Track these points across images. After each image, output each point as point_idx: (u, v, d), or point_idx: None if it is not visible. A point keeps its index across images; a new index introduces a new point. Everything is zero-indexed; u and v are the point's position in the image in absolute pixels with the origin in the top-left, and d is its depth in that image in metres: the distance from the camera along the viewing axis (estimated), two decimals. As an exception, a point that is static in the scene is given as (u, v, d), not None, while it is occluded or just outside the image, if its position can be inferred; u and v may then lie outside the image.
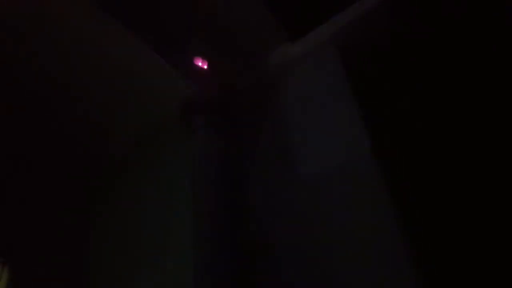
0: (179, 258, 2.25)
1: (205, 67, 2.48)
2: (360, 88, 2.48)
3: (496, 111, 2.06)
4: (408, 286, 1.79)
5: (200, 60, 2.48)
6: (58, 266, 2.67)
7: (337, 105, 2.46)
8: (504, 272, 1.70)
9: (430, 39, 2.44)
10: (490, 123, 2.02)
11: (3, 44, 2.34)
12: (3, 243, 2.53)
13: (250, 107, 2.72)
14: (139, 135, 2.77)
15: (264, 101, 2.70)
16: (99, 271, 2.57)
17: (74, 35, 2.22)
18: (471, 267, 1.77)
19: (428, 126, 2.19)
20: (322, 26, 2.77)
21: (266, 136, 2.59)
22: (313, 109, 2.52)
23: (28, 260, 2.59)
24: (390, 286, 1.82)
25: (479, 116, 2.04)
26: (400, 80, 2.46)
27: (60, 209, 2.84)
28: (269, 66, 2.76)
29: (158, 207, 2.48)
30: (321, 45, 2.71)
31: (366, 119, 2.31)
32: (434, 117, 2.23)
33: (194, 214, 2.27)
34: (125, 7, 2.34)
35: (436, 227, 1.91)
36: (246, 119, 2.71)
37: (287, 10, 2.75)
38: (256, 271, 2.22)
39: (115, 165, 2.89)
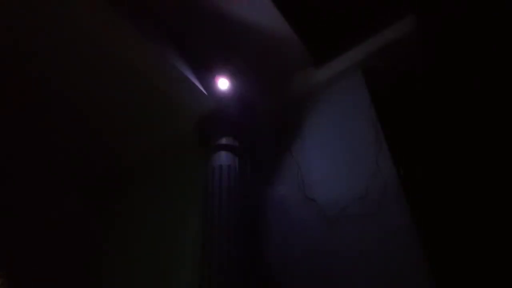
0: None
1: (227, 86, 2.45)
2: (386, 116, 2.41)
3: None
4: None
5: (223, 79, 2.45)
6: (63, 277, 2.62)
7: (362, 132, 2.38)
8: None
9: (457, 69, 2.38)
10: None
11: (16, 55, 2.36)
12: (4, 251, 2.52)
13: (270, 131, 2.67)
14: (154, 149, 2.74)
15: (285, 127, 2.65)
16: (103, 281, 2.50)
17: (92, 41, 2.21)
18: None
19: (457, 156, 2.10)
20: (348, 52, 2.72)
21: (286, 162, 2.53)
22: (337, 135, 2.45)
23: (27, 269, 2.56)
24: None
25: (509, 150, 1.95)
26: (427, 109, 2.39)
27: (67, 218, 2.81)
28: (293, 91, 2.72)
29: (165, 231, 2.43)
30: (346, 71, 2.66)
31: (392, 148, 2.23)
32: (462, 147, 2.14)
33: (203, 241, 2.18)
34: (151, 17, 2.35)
35: (465, 266, 1.80)
36: (265, 144, 2.66)
37: (313, 35, 2.72)
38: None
39: (127, 178, 2.85)
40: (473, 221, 1.91)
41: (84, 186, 2.92)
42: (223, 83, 2.46)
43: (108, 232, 2.72)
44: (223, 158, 2.33)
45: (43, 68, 2.41)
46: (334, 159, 2.40)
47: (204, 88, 2.39)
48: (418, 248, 1.84)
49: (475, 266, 1.80)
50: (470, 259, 1.82)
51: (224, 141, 2.38)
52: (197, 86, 2.34)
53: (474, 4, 2.29)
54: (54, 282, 2.57)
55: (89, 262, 2.65)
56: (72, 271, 2.64)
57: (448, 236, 1.92)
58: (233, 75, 2.46)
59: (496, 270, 1.74)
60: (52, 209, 2.82)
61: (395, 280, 1.85)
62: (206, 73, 2.47)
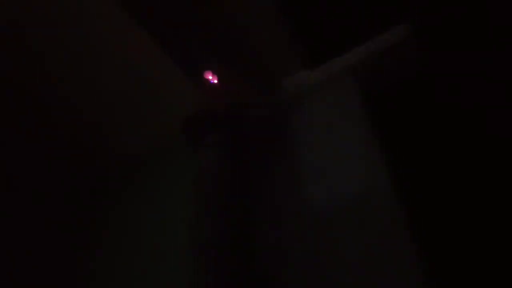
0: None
1: (216, 81, 2.37)
2: (379, 120, 2.38)
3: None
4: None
5: (211, 74, 2.37)
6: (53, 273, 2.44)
7: (354, 136, 2.34)
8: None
9: (450, 76, 2.39)
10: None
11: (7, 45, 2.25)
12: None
13: (261, 130, 2.59)
14: (142, 145, 2.60)
15: (277, 126, 2.58)
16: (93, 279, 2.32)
17: (82, 31, 2.12)
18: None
19: (450, 158, 2.07)
20: (342, 56, 2.71)
21: (277, 162, 2.45)
22: (329, 138, 2.40)
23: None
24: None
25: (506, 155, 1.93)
26: (421, 116, 2.38)
27: (56, 216, 2.63)
28: (284, 91, 2.67)
29: (155, 225, 2.28)
30: (340, 75, 2.64)
31: (384, 152, 2.20)
32: (456, 152, 2.12)
33: (192, 239, 2.07)
34: (143, 8, 2.27)
35: (459, 265, 1.75)
36: (256, 143, 2.57)
37: (308, 35, 2.70)
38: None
39: (115, 175, 2.70)
40: (468, 221, 1.86)
41: (65, 185, 2.74)
42: (214, 80, 2.39)
43: (92, 233, 2.54)
44: (213, 156, 2.23)
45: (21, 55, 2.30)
46: (327, 160, 2.33)
47: (194, 84, 2.32)
48: (413, 249, 1.78)
49: (470, 266, 1.75)
50: (467, 259, 1.77)
51: (214, 138, 2.28)
52: (186, 82, 2.27)
53: (469, 12, 2.31)
54: (43, 281, 2.39)
55: (74, 262, 2.46)
56: (61, 270, 2.45)
57: (444, 236, 1.87)
58: (224, 72, 2.40)
59: (490, 269, 1.69)
60: (37, 209, 2.65)
61: (392, 281, 1.77)
62: (196, 68, 2.40)
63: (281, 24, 2.41)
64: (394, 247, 1.86)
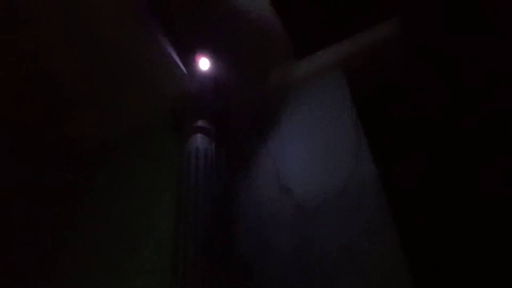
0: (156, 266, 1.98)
1: (208, 68, 2.32)
2: (366, 114, 2.40)
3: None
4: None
5: (202, 60, 2.31)
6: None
7: (340, 129, 2.35)
8: None
9: (439, 72, 2.43)
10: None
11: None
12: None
13: (248, 120, 2.56)
14: (126, 129, 2.50)
15: (263, 116, 2.55)
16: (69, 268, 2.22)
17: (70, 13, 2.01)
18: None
19: (436, 155, 2.12)
20: (330, 48, 2.70)
21: (262, 152, 2.43)
22: (316, 130, 2.40)
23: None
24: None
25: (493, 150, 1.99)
26: (408, 109, 2.41)
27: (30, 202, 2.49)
28: (273, 81, 2.64)
29: (138, 213, 2.20)
30: (327, 67, 2.63)
31: (371, 145, 2.22)
32: (443, 147, 2.17)
33: (175, 227, 2.02)
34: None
35: (445, 264, 1.79)
36: (242, 133, 2.54)
37: (297, 26, 2.67)
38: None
39: (96, 159, 2.58)
40: (452, 217, 1.91)
41: (44, 167, 2.59)
42: (204, 64, 2.32)
43: (71, 220, 2.42)
44: (200, 141, 2.19)
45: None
46: (313, 153, 2.34)
47: (184, 67, 2.25)
48: (398, 243, 1.81)
49: (454, 262, 1.80)
50: (450, 255, 1.82)
51: (201, 123, 2.23)
52: (176, 64, 2.20)
53: (459, 9, 2.35)
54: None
55: (50, 247, 2.33)
56: (33, 254, 2.32)
57: (427, 233, 1.91)
58: (214, 57, 2.34)
59: (475, 266, 1.75)
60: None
61: (374, 273, 1.80)
62: (187, 51, 2.33)
63: (269, 15, 2.37)
64: (379, 241, 1.89)
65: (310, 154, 2.31)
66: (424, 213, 1.99)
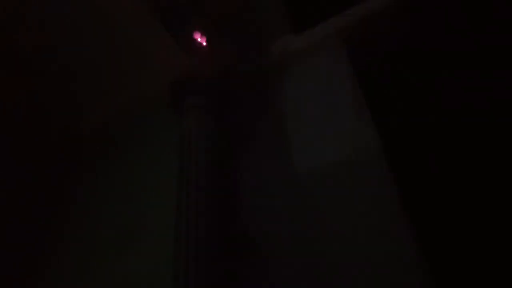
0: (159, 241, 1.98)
1: (204, 43, 2.27)
2: (368, 86, 2.36)
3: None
4: None
5: (200, 35, 2.27)
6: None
7: (342, 101, 2.32)
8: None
9: (439, 44, 2.39)
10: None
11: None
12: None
13: (248, 94, 2.53)
14: (125, 108, 2.47)
15: (264, 90, 2.52)
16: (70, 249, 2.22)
17: None
18: (482, 267, 1.64)
19: (439, 128, 2.09)
20: (329, 20, 2.65)
21: (264, 126, 2.40)
22: (317, 102, 2.36)
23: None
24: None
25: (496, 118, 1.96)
26: (409, 81, 2.37)
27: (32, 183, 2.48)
28: (272, 54, 2.60)
29: (138, 189, 2.19)
30: (327, 39, 2.58)
31: (374, 117, 2.19)
32: (443, 117, 2.14)
33: (178, 202, 2.01)
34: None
35: (447, 231, 1.79)
36: (243, 107, 2.51)
37: (295, 0, 2.62)
38: (243, 266, 1.98)
39: (95, 138, 2.56)
40: (455, 192, 1.90)
41: (39, 148, 2.57)
42: (200, 39, 2.28)
43: (70, 202, 2.41)
44: (199, 118, 2.16)
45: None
46: (314, 126, 2.31)
47: (180, 43, 2.20)
48: (402, 217, 1.80)
49: (455, 238, 1.79)
50: (453, 229, 1.81)
51: (199, 100, 2.20)
52: (172, 40, 2.15)
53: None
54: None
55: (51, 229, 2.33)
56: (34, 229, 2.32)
57: (431, 198, 1.90)
58: (212, 31, 2.29)
59: (482, 248, 1.73)
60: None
61: (379, 246, 1.79)
62: (183, 26, 2.28)
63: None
64: (383, 213, 1.88)
65: (311, 125, 2.28)
66: (428, 180, 1.97)
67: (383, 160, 1.98)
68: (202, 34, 2.27)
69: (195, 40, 2.26)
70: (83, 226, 2.30)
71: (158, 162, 2.26)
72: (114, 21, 2.06)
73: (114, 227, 2.13)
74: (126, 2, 1.99)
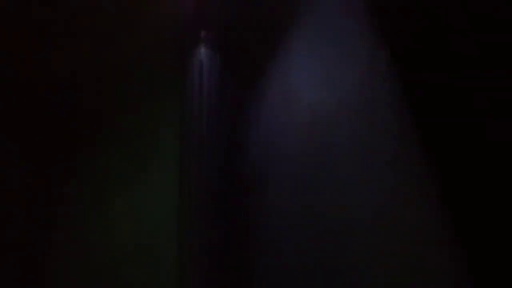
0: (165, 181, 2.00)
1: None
2: (383, 22, 2.23)
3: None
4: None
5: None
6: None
7: (356, 37, 2.20)
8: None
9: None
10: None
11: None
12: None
13: (256, 30, 2.42)
14: (124, 55, 2.38)
15: (270, 25, 2.39)
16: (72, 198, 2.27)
17: None
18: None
19: (458, 72, 1.98)
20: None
21: (271, 63, 2.31)
22: (329, 38, 2.24)
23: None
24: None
25: None
26: (426, 18, 2.24)
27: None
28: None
29: (143, 137, 2.18)
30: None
31: (389, 57, 2.08)
32: (462, 59, 2.03)
33: (182, 145, 2.00)
34: None
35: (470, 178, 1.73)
36: (248, 43, 2.41)
37: None
38: (250, 208, 1.99)
39: (96, 89, 2.49)
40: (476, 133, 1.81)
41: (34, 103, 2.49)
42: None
43: (74, 153, 2.40)
44: (204, 53, 2.10)
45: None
46: (325, 63, 2.22)
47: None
48: (416, 149, 1.76)
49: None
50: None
51: (205, 34, 2.12)
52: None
53: None
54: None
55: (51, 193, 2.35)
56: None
57: (445, 140, 1.84)
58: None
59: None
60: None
61: (393, 182, 1.76)
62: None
63: None
64: (393, 153, 1.84)
65: (322, 63, 2.19)
66: (448, 126, 1.88)
67: (396, 101, 1.91)
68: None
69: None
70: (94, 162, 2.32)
71: (164, 96, 2.23)
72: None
73: (123, 159, 2.15)
74: None
